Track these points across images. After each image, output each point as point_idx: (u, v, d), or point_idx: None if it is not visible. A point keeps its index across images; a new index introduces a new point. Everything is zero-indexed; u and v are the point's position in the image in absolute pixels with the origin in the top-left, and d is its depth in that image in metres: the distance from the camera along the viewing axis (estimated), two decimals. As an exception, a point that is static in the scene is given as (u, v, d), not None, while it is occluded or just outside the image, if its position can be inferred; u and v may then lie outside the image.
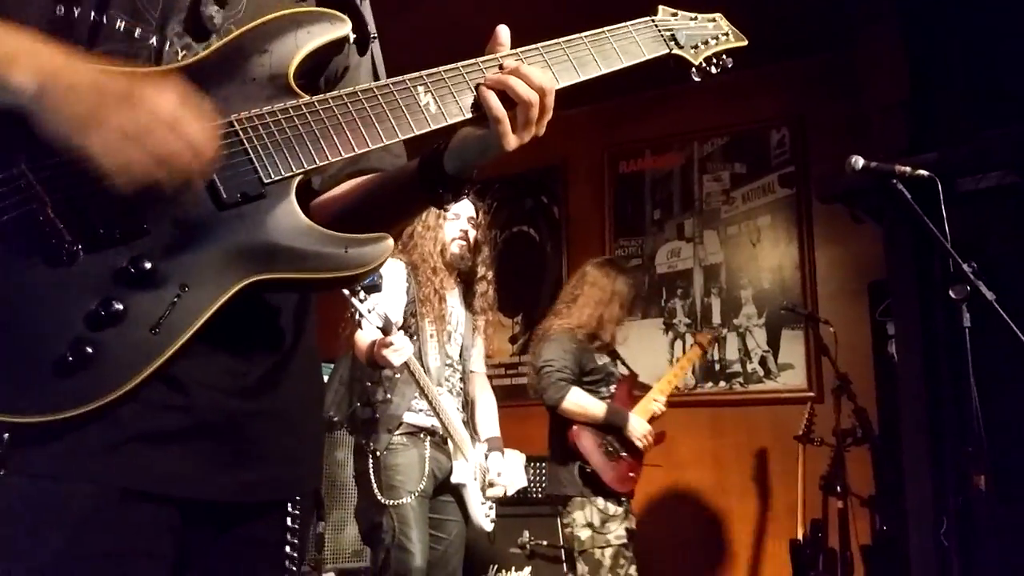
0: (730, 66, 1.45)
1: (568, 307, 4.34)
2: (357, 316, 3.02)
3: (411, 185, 1.22)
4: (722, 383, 5.39)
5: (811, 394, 5.00)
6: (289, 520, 1.17)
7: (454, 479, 3.37)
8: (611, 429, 4.11)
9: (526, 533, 4.78)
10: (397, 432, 3.28)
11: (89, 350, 0.93)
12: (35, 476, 0.94)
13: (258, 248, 1.02)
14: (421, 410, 3.33)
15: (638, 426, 4.16)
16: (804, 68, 5.18)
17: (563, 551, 4.80)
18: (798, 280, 5.27)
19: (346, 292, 2.98)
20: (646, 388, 4.54)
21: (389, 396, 3.29)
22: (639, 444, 4.14)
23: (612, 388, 4.27)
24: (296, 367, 1.18)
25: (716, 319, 5.50)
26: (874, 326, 4.49)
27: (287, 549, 1.16)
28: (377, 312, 3.04)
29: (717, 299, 5.53)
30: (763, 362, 5.30)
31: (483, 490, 3.46)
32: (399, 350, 3.05)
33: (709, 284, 5.57)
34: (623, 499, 4.11)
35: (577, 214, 6.10)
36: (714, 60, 1.44)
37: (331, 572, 4.34)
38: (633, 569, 4.09)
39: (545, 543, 4.87)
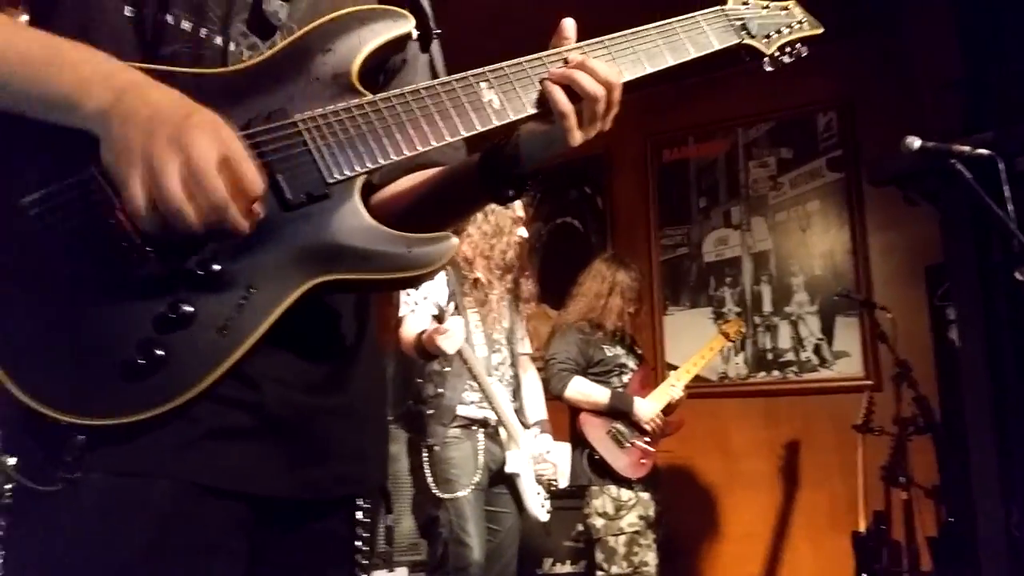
0: (804, 55, 1.42)
1: (573, 300, 4.47)
2: (412, 304, 3.02)
3: (472, 181, 1.22)
4: (776, 372, 5.30)
5: (869, 382, 4.90)
6: (359, 515, 1.18)
7: (508, 468, 3.38)
8: (618, 415, 4.14)
9: (579, 526, 4.77)
10: (451, 425, 3.28)
11: (159, 353, 0.93)
12: (115, 472, 0.95)
13: (323, 249, 1.02)
14: (473, 402, 3.34)
15: (645, 409, 4.17)
16: (852, 49, 5.06)
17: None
18: (851, 266, 5.17)
19: None
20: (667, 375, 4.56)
21: (441, 390, 3.30)
22: (647, 427, 4.15)
23: (624, 378, 4.30)
24: (361, 363, 1.19)
25: (767, 307, 5.41)
26: (932, 311, 4.38)
27: (356, 544, 1.17)
28: (432, 300, 3.04)
29: (767, 287, 5.44)
30: (817, 350, 5.21)
31: (537, 480, 3.45)
32: (451, 336, 3.04)
33: (759, 272, 5.48)
34: (636, 485, 4.12)
35: (621, 204, 6.05)
36: (787, 49, 1.41)
37: (404, 568, 4.38)
38: (651, 555, 4.09)
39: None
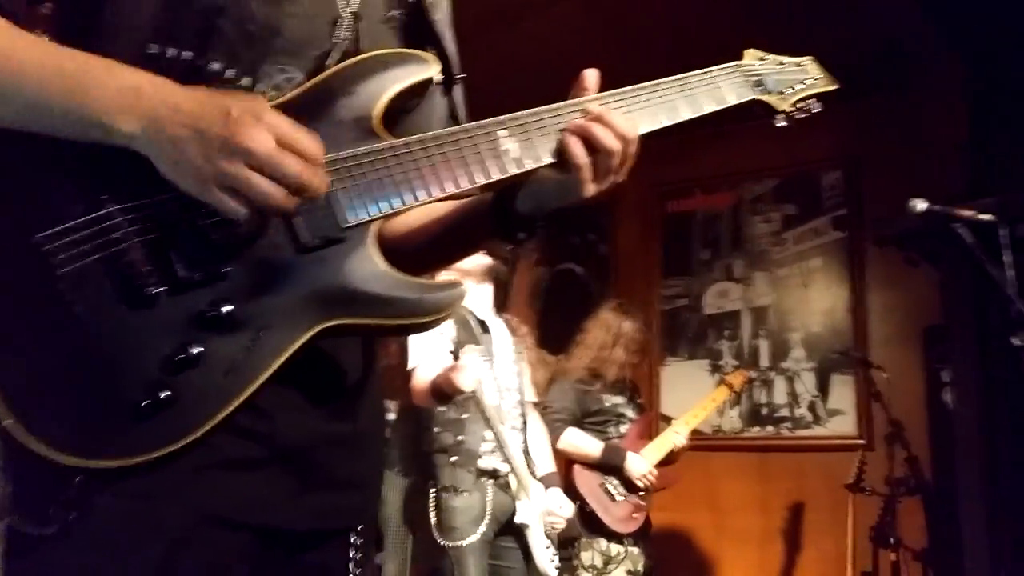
0: (817, 110, 1.42)
1: (577, 348, 4.41)
2: (423, 350, 3.00)
3: (484, 221, 1.23)
4: (770, 427, 5.29)
5: (861, 441, 4.87)
6: (352, 549, 1.18)
7: (518, 519, 3.33)
8: (608, 470, 4.10)
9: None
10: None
11: (166, 394, 0.93)
12: (125, 496, 0.95)
13: (336, 292, 1.03)
14: (485, 452, 3.30)
15: (637, 465, 4.11)
16: (859, 109, 5.12)
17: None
18: (849, 324, 5.17)
19: None
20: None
21: (461, 438, 3.27)
22: (638, 483, 4.10)
23: (623, 428, 4.26)
24: (366, 394, 1.20)
25: (764, 362, 5.41)
26: (928, 373, 4.39)
27: None
28: (448, 336, 3.03)
29: (766, 341, 5.44)
30: (812, 407, 5.20)
31: (546, 533, 3.41)
32: (469, 372, 3.03)
33: (757, 326, 5.49)
34: (626, 539, 4.07)
35: (624, 252, 6.07)
36: (800, 104, 1.41)
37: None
38: None
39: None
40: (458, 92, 1.32)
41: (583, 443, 4.10)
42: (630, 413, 4.34)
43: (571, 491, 4.01)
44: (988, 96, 4.06)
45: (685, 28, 4.48)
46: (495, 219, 1.21)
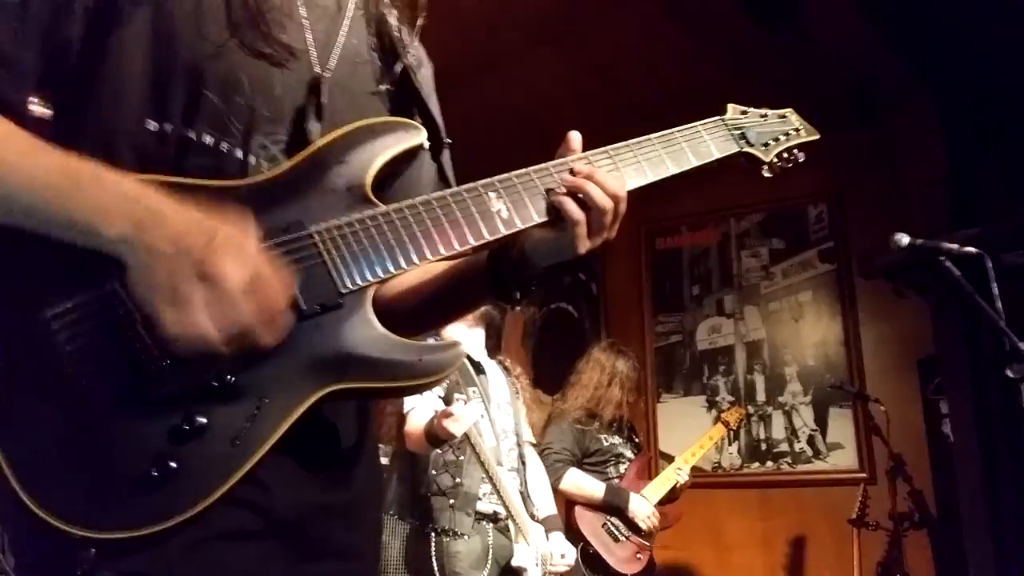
0: (801, 160, 1.45)
1: (572, 389, 4.40)
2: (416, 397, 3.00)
3: (479, 281, 1.24)
4: (769, 463, 5.28)
5: (863, 475, 4.88)
6: None
7: (515, 562, 3.32)
8: (611, 511, 4.07)
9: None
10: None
11: (172, 464, 0.94)
12: (124, 573, 0.94)
13: (335, 358, 1.03)
14: (484, 494, 3.30)
15: (640, 507, 4.10)
16: (842, 144, 5.18)
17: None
18: (843, 356, 5.19)
19: None
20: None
21: (459, 480, 3.26)
22: (642, 525, 4.08)
23: (621, 468, 4.24)
24: (362, 462, 1.19)
25: (760, 396, 5.41)
26: (926, 404, 4.39)
27: None
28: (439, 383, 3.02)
29: (761, 376, 5.45)
30: (811, 441, 5.19)
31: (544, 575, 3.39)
32: (459, 419, 3.03)
33: (752, 361, 5.50)
34: None
35: (615, 291, 6.10)
36: (785, 155, 1.44)
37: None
38: None
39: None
40: (446, 156, 1.34)
41: (586, 484, 4.08)
42: (628, 453, 4.33)
43: (573, 532, 4.00)
44: (965, 131, 4.11)
45: (666, 73, 4.54)
46: (491, 278, 1.23)
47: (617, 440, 4.30)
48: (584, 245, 1.15)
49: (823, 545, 4.93)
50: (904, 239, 2.75)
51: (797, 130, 1.46)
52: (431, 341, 1.11)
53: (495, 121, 3.74)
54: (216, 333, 0.93)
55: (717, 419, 4.87)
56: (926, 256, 2.80)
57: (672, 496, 4.25)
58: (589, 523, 4.05)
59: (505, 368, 3.75)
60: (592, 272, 6.20)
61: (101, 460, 0.94)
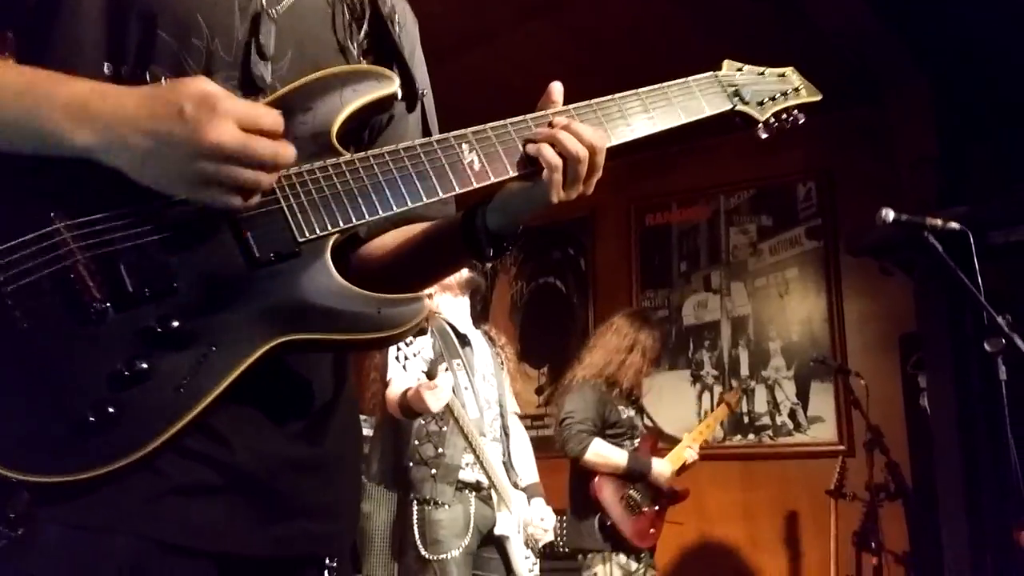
0: (801, 122, 1.39)
1: (589, 354, 4.29)
2: (402, 360, 3.03)
3: (454, 240, 1.21)
4: (751, 436, 5.35)
5: (842, 447, 4.95)
6: (326, 574, 1.14)
7: (497, 531, 3.37)
8: (634, 478, 4.05)
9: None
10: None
11: (111, 410, 0.91)
12: (75, 527, 0.93)
13: (289, 308, 1.00)
14: (467, 464, 3.33)
15: (663, 469, 4.11)
16: (832, 122, 5.21)
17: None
18: (827, 332, 5.25)
19: None
20: (673, 441, 4.51)
21: (441, 450, 3.29)
22: (664, 488, 4.10)
23: (636, 442, 4.19)
24: (336, 419, 1.16)
25: (744, 371, 5.47)
26: (905, 379, 4.45)
27: None
28: (422, 356, 3.04)
29: (745, 351, 5.50)
30: (792, 415, 5.26)
31: (526, 543, 3.44)
32: (438, 393, 3.05)
33: (737, 336, 5.55)
34: (643, 555, 4.04)
35: (604, 266, 6.12)
36: (783, 116, 1.38)
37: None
38: None
39: (572, 598, 4.81)
40: (429, 105, 1.31)
41: (611, 453, 4.01)
42: (640, 426, 4.28)
43: (593, 502, 3.96)
44: (956, 109, 4.15)
45: (658, 45, 4.54)
46: (465, 238, 1.19)
47: (632, 412, 4.25)
48: (558, 194, 1.12)
49: (802, 516, 5.01)
50: (890, 214, 2.79)
51: (797, 89, 1.40)
52: (395, 295, 1.08)
53: (484, 93, 3.74)
54: (258, 174, 0.94)
55: (720, 400, 4.87)
56: (911, 232, 2.85)
57: (679, 472, 4.24)
58: (609, 495, 3.98)
59: (490, 339, 3.77)
60: (581, 248, 6.22)
61: (39, 404, 0.91)
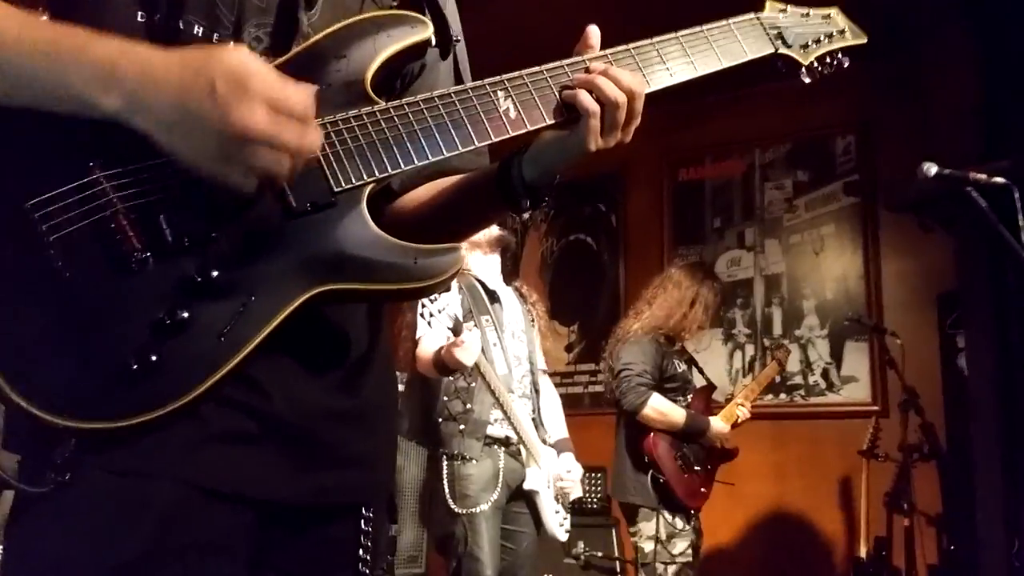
0: (845, 65, 1.35)
1: (649, 307, 4.13)
2: (427, 316, 3.03)
3: (489, 191, 1.20)
4: (783, 395, 5.29)
5: (876, 408, 4.88)
6: (363, 523, 1.16)
7: (527, 486, 3.38)
8: (689, 437, 3.96)
9: (580, 544, 4.75)
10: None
11: (154, 358, 0.92)
12: (118, 472, 0.95)
13: (326, 258, 1.01)
14: (496, 419, 3.34)
15: (721, 429, 4.04)
16: (871, 73, 5.07)
17: (617, 563, 4.75)
18: (862, 291, 5.16)
19: None
20: (716, 403, 4.44)
21: (470, 406, 3.31)
22: (718, 444, 4.04)
23: (688, 397, 4.09)
24: (372, 371, 1.17)
25: (777, 330, 5.40)
26: (943, 339, 4.37)
27: (360, 552, 1.16)
28: (447, 312, 3.04)
29: (778, 309, 5.43)
30: (825, 374, 5.19)
31: (556, 498, 3.44)
32: (468, 349, 3.04)
33: (770, 294, 5.48)
34: (691, 514, 3.96)
35: (635, 222, 6.05)
36: (827, 59, 1.35)
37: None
38: None
39: (600, 554, 4.84)
40: (462, 52, 1.29)
41: (669, 410, 3.91)
42: (692, 381, 4.20)
43: (647, 459, 3.88)
44: (1000, 59, 4.00)
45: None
46: (500, 189, 1.18)
47: (685, 368, 4.16)
48: (595, 142, 1.11)
49: (833, 476, 4.96)
50: (932, 168, 2.71)
51: (842, 31, 1.36)
52: (431, 246, 1.08)
53: (510, 42, 3.67)
54: (281, 162, 0.93)
55: (772, 358, 4.76)
56: (953, 186, 2.76)
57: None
58: (664, 453, 3.89)
59: (521, 295, 3.76)
60: (612, 203, 6.14)
61: (83, 353, 0.92)
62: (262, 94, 0.91)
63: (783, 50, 1.30)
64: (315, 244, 1.01)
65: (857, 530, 4.36)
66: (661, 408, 3.89)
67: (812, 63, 1.33)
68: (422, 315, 3.10)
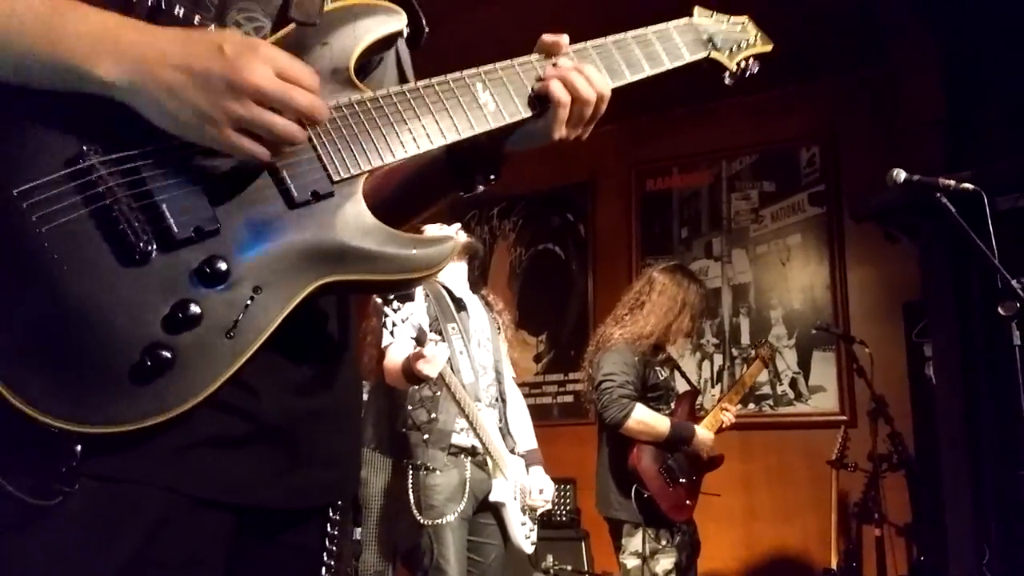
0: (756, 71, 1.43)
1: (632, 315, 3.94)
2: (390, 326, 2.98)
3: (440, 172, 1.22)
4: (751, 405, 5.28)
5: (844, 417, 4.89)
6: (328, 526, 1.16)
7: (493, 497, 3.33)
8: (674, 447, 3.82)
9: (550, 557, 4.70)
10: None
11: (167, 355, 0.88)
12: (106, 479, 0.90)
13: (328, 248, 1.00)
14: (462, 429, 3.28)
15: (706, 438, 3.90)
16: (836, 85, 5.11)
17: (587, 576, 4.69)
18: (829, 300, 5.18)
19: (379, 300, 2.95)
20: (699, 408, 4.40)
21: (435, 415, 3.26)
22: (704, 456, 3.90)
23: (671, 405, 3.96)
24: (343, 369, 1.17)
25: (745, 339, 5.40)
26: (909, 348, 4.39)
27: (325, 557, 1.15)
28: (411, 323, 3.00)
29: (746, 319, 5.43)
30: (793, 384, 5.20)
31: (523, 509, 3.40)
32: (432, 361, 3.00)
33: (738, 304, 5.48)
34: (676, 528, 3.82)
35: (604, 232, 6.04)
36: (742, 64, 1.42)
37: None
38: None
39: (569, 568, 4.79)
40: (405, 50, 1.31)
41: (653, 420, 3.75)
42: (675, 387, 4.06)
43: (631, 473, 3.75)
44: (964, 72, 4.04)
45: (665, 5, 4.42)
46: (453, 165, 1.21)
47: (668, 375, 4.01)
48: (560, 131, 1.14)
49: (802, 486, 4.95)
50: (901, 175, 2.72)
51: (754, 39, 1.44)
52: (428, 236, 1.10)
53: (489, 53, 3.67)
54: (292, 125, 0.92)
55: (756, 358, 4.65)
56: (921, 194, 2.77)
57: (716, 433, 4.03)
58: (648, 466, 3.74)
59: (487, 304, 3.72)
60: (581, 213, 6.13)
61: (89, 352, 0.87)
62: (271, 58, 0.92)
63: (714, 54, 1.37)
64: (316, 234, 0.99)
65: (827, 541, 4.34)
66: (644, 419, 3.75)
67: (735, 67, 1.41)
68: (385, 324, 3.06)
